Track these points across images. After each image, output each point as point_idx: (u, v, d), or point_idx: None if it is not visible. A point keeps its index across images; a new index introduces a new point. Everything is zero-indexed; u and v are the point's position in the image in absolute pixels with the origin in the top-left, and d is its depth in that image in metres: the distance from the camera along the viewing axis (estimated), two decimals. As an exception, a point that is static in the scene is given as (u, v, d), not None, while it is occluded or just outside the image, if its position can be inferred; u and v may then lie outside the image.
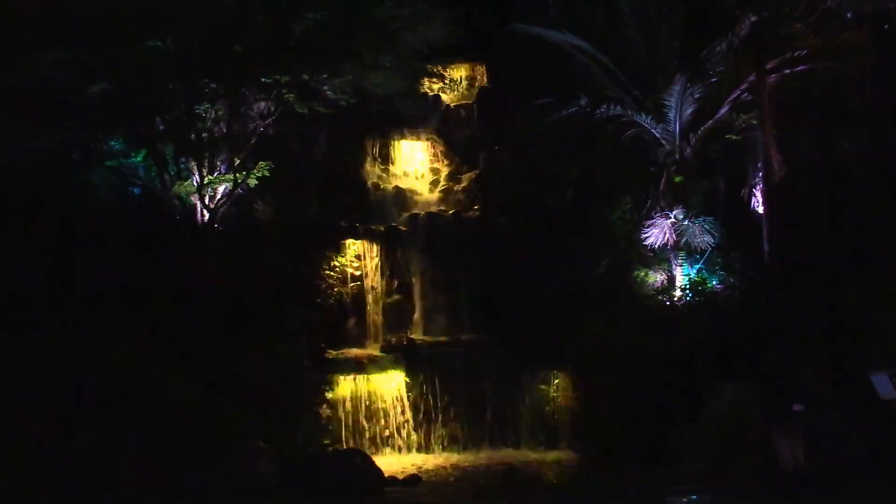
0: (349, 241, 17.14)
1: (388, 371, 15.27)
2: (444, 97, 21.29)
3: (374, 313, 16.88)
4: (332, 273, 16.87)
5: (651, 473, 12.19)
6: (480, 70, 21.78)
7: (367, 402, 15.01)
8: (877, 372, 10.97)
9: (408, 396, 15.19)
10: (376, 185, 19.12)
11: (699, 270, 15.13)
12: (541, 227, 16.56)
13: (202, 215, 14.49)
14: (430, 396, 15.23)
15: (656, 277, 15.33)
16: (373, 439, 14.86)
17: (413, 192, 19.30)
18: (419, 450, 14.96)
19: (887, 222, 13.46)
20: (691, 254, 15.13)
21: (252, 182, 14.76)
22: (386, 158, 19.72)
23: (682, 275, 15.16)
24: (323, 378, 14.69)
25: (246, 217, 15.87)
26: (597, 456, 14.03)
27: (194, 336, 12.99)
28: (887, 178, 14.06)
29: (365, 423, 14.91)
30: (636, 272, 15.46)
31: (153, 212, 14.89)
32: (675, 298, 15.00)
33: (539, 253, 16.25)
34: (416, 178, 19.71)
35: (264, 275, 14.90)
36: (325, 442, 14.04)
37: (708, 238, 14.94)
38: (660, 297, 15.12)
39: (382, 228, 17.53)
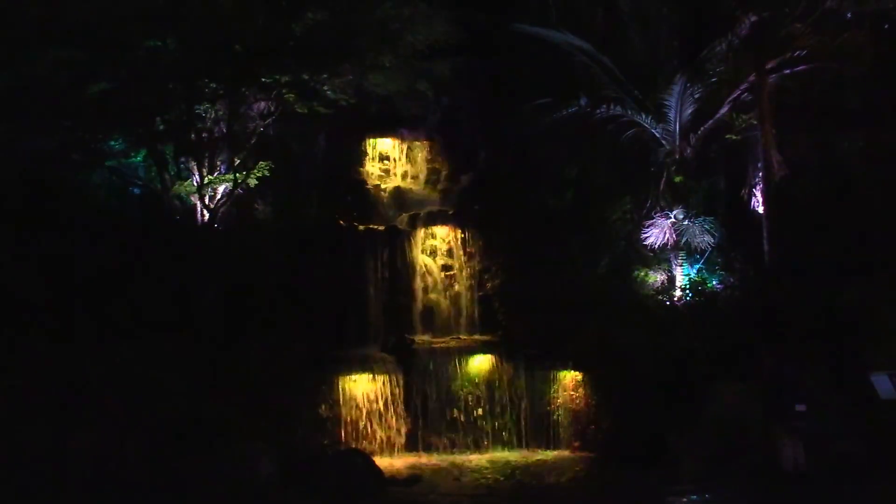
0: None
1: (388, 371, 15.25)
2: (445, 97, 21.25)
3: (374, 313, 16.86)
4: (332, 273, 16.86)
5: (651, 474, 12.21)
6: (480, 70, 21.74)
7: (367, 402, 15.00)
8: (877, 372, 11.00)
9: (408, 396, 15.20)
10: (376, 185, 19.10)
11: (699, 270, 15.13)
12: (541, 227, 16.55)
13: (202, 215, 14.50)
14: (430, 396, 15.24)
15: (656, 277, 15.34)
16: (372, 439, 14.86)
17: (413, 191, 19.28)
18: (419, 450, 14.96)
19: (887, 222, 13.45)
20: (691, 254, 15.14)
21: (252, 182, 14.77)
22: (386, 158, 19.72)
23: (682, 275, 15.16)
24: (323, 378, 14.68)
25: (246, 217, 15.86)
26: (597, 456, 14.07)
27: (194, 336, 12.99)
28: (887, 178, 14.06)
29: (365, 423, 14.91)
30: (636, 272, 15.46)
31: (153, 212, 14.88)
32: (675, 298, 15.01)
33: (539, 253, 16.26)
34: (416, 178, 19.69)
35: (264, 275, 14.90)
36: (325, 442, 14.06)
37: (708, 238, 14.95)
38: (660, 297, 15.13)
39: (382, 228, 17.53)
